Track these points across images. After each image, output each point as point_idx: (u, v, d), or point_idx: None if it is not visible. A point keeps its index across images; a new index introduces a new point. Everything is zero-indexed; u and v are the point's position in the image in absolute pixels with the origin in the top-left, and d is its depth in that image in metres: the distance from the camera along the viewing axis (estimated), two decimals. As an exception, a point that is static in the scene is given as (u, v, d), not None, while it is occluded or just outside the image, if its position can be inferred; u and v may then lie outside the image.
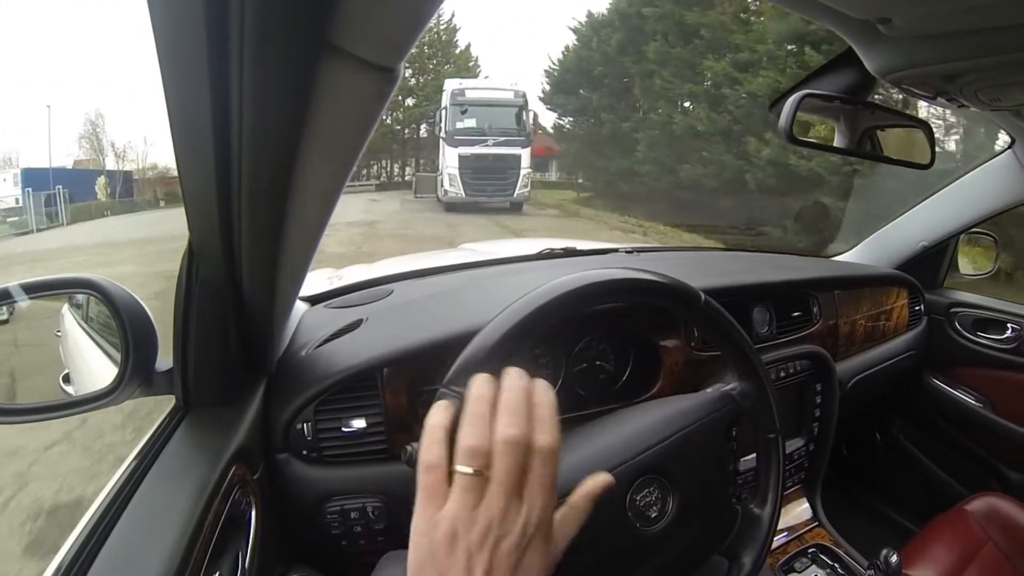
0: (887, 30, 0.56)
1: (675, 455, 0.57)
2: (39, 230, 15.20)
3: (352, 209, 12.72)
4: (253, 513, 0.62)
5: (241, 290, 0.58)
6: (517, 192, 12.94)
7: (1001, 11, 0.50)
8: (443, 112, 13.11)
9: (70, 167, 21.47)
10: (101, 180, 20.58)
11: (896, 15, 0.54)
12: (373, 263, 1.57)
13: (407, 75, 23.16)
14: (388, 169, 25.71)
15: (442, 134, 13.14)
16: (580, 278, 0.55)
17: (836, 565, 1.10)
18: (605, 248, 1.40)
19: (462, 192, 12.62)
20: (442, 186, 13.21)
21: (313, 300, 1.00)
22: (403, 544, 0.72)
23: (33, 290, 0.62)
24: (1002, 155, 1.20)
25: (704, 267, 1.30)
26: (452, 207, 12.85)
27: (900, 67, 0.64)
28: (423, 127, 24.12)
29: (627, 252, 1.32)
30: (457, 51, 24.01)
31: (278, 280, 0.58)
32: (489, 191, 12.72)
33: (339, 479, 0.75)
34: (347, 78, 0.34)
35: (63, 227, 15.82)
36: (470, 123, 12.88)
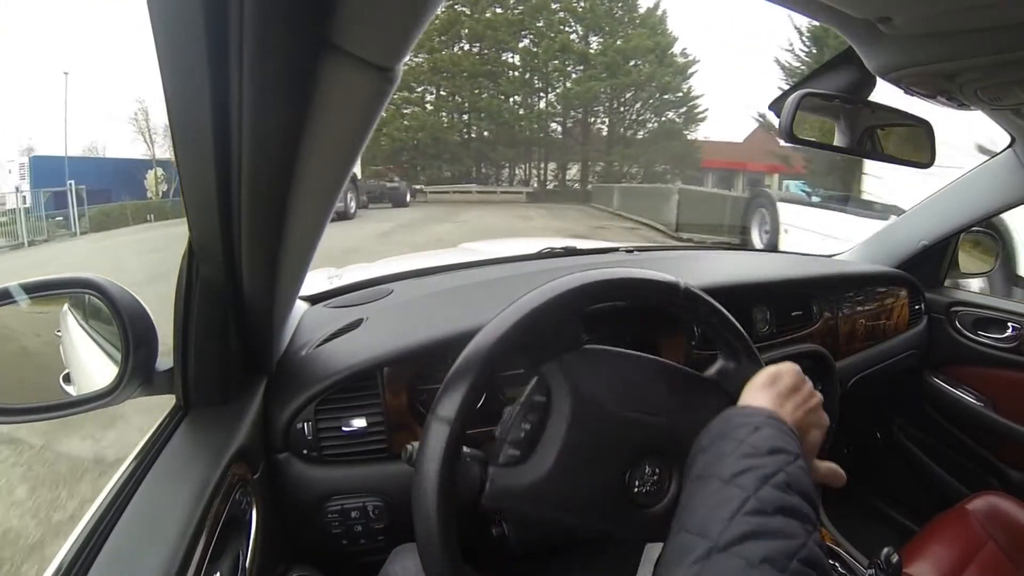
0: (887, 29, 0.56)
1: (672, 434, 0.57)
2: (33, 243, 11.07)
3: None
4: (253, 513, 0.62)
5: (241, 290, 0.58)
6: None
7: (1001, 10, 0.50)
8: None
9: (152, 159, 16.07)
10: (153, 174, 15.65)
11: (896, 14, 0.54)
12: (373, 263, 1.57)
13: (573, 37, 16.70)
14: (541, 172, 18.38)
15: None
16: (574, 279, 0.56)
17: (836, 564, 1.09)
18: (605, 247, 1.40)
19: None
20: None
21: (313, 300, 1.00)
22: (403, 541, 0.72)
23: (33, 290, 0.62)
24: (1002, 154, 1.20)
25: (704, 266, 1.30)
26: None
27: (900, 66, 0.64)
28: (600, 113, 16.87)
29: (627, 251, 1.32)
30: (641, 11, 17.39)
31: (278, 280, 0.58)
32: None
33: (339, 478, 0.75)
34: (347, 78, 0.34)
35: (73, 238, 11.70)
36: None
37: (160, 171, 15.68)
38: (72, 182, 12.36)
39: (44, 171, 12.67)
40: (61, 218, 12.25)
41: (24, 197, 12.10)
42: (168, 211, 13.63)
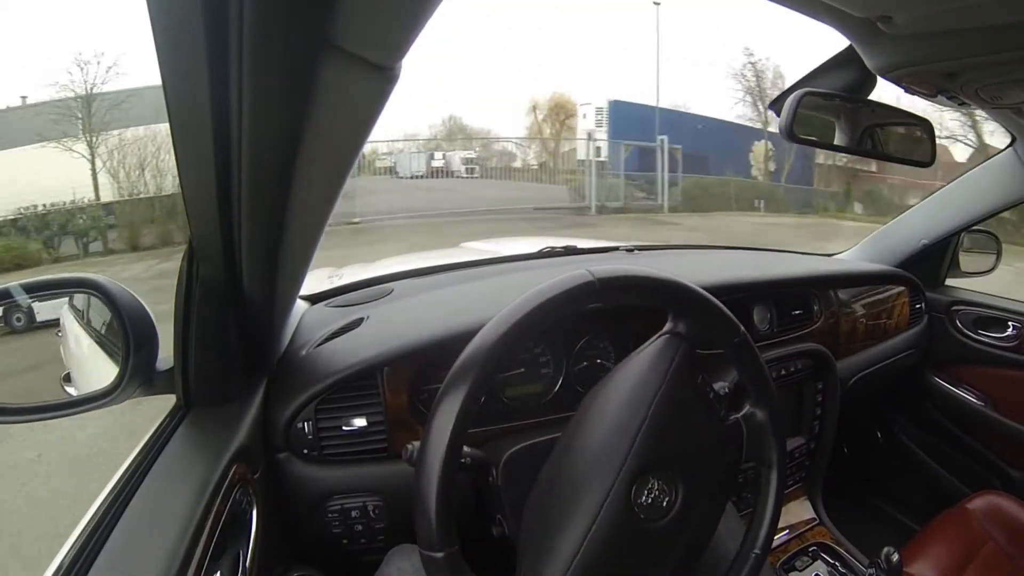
0: (888, 28, 0.56)
1: (659, 438, 0.56)
2: (619, 210, 7.60)
3: None
4: (254, 512, 0.62)
5: (241, 289, 0.58)
6: None
7: (1002, 9, 0.50)
8: None
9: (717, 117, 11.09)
10: (763, 146, 11.07)
11: (897, 13, 0.53)
12: (373, 262, 1.57)
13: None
14: None
15: None
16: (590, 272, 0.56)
17: (837, 563, 1.10)
18: (605, 247, 1.39)
19: None
20: None
21: (313, 299, 1.00)
22: (403, 541, 0.72)
23: (34, 290, 0.62)
24: (1003, 153, 1.20)
25: (704, 265, 1.29)
26: None
27: (901, 65, 0.64)
28: None
29: (627, 250, 1.32)
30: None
31: (278, 279, 0.58)
32: None
33: (340, 478, 0.76)
34: (347, 78, 0.34)
35: (656, 214, 8.12)
36: None
37: (770, 145, 11.04)
38: (665, 138, 8.66)
39: (627, 119, 9.22)
40: (643, 183, 9.09)
41: (598, 149, 9.05)
42: (780, 200, 9.29)
